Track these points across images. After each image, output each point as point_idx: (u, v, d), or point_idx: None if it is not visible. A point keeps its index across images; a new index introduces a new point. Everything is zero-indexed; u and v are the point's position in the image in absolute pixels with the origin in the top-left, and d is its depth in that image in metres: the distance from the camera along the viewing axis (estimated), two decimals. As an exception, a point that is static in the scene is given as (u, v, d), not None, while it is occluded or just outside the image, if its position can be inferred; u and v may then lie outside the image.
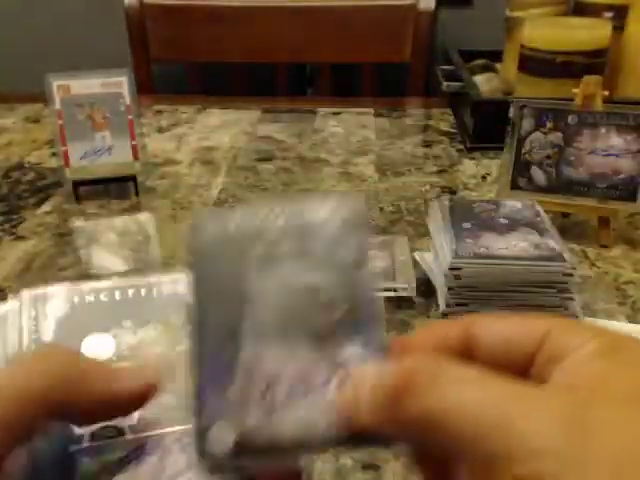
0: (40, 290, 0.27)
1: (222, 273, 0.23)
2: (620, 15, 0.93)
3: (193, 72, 1.39)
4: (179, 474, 0.23)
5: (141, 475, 0.23)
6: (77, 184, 0.76)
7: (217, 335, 0.22)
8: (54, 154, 0.89)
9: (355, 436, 0.21)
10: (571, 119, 0.63)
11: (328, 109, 1.11)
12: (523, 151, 0.65)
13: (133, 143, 0.76)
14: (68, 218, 0.74)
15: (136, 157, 0.76)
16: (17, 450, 0.21)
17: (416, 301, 0.56)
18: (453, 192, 0.79)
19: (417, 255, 0.60)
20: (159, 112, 1.11)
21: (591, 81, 0.63)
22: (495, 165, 0.84)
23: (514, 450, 0.17)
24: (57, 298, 0.27)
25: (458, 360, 0.20)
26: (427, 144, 0.95)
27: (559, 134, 0.64)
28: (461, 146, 0.93)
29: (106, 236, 0.70)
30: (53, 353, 0.23)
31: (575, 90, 0.63)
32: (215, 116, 1.09)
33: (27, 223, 0.72)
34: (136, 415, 0.24)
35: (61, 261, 0.64)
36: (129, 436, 0.24)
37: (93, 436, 0.24)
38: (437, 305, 0.55)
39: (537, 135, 0.64)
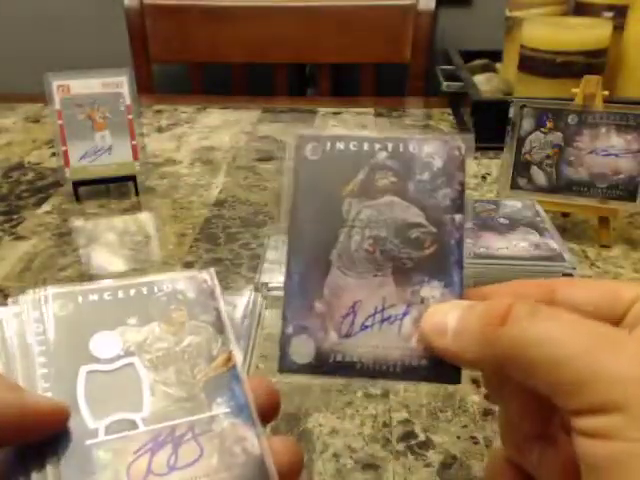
0: (42, 292, 0.27)
1: (323, 194, 0.24)
2: (620, 15, 0.93)
3: (193, 72, 1.39)
4: (191, 464, 0.24)
5: (155, 466, 0.24)
6: (77, 184, 0.76)
7: (311, 253, 0.24)
8: (54, 154, 0.89)
9: (426, 367, 0.22)
10: (571, 119, 0.63)
11: (328, 109, 1.11)
12: (523, 151, 0.65)
13: (133, 143, 0.76)
14: (68, 218, 0.74)
15: (136, 157, 0.76)
16: None
17: (416, 301, 0.56)
18: (453, 192, 0.79)
19: (417, 255, 0.60)
20: (159, 112, 1.11)
21: (591, 81, 0.63)
22: (495, 165, 0.84)
23: (597, 376, 0.19)
24: (61, 299, 0.27)
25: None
26: (427, 144, 0.95)
27: (559, 134, 0.64)
28: (461, 146, 0.93)
29: (106, 236, 0.70)
30: None
31: (575, 90, 0.63)
32: (215, 116, 1.09)
33: (27, 223, 0.72)
34: (148, 408, 0.25)
35: (61, 261, 0.64)
36: (142, 428, 0.25)
37: (107, 430, 0.24)
38: (437, 305, 0.55)
39: (537, 135, 0.64)
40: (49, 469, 0.23)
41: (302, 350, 0.23)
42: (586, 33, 0.88)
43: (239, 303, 0.32)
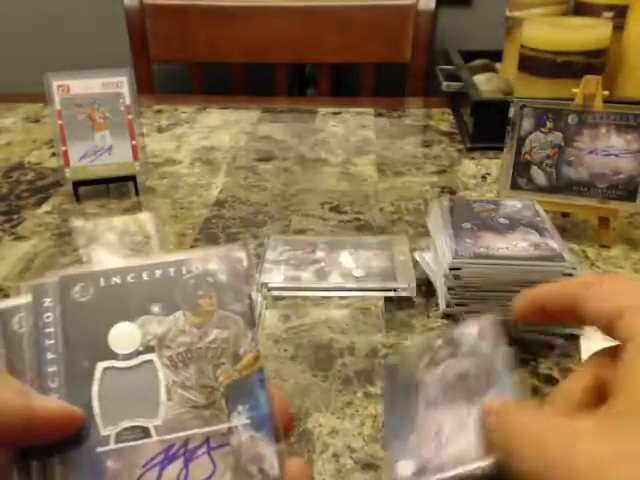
0: (57, 276, 0.25)
1: (405, 379, 0.33)
2: (620, 15, 0.93)
3: (193, 72, 1.39)
4: None
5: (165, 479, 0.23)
6: (77, 184, 0.76)
7: (400, 407, 0.31)
8: (54, 154, 0.89)
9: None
10: (571, 119, 0.63)
11: (328, 109, 1.11)
12: (523, 151, 0.65)
13: (133, 143, 0.76)
14: (68, 218, 0.74)
15: (136, 157, 0.76)
16: None
17: (416, 301, 0.56)
18: (453, 192, 0.79)
19: (417, 255, 0.60)
20: (159, 112, 1.11)
21: (591, 81, 0.63)
22: (495, 165, 0.84)
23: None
24: (81, 281, 0.25)
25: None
26: (427, 144, 0.95)
27: (559, 134, 0.64)
28: (461, 146, 0.93)
29: (106, 236, 0.70)
30: None
31: (575, 90, 0.63)
32: (215, 116, 1.09)
33: (27, 223, 0.72)
34: (163, 414, 0.24)
35: (61, 261, 0.64)
36: (155, 437, 0.23)
37: (118, 437, 0.23)
38: (437, 305, 0.55)
39: (537, 135, 0.65)
40: (57, 474, 0.22)
41: (404, 470, 0.29)
42: (586, 33, 0.88)
43: None
